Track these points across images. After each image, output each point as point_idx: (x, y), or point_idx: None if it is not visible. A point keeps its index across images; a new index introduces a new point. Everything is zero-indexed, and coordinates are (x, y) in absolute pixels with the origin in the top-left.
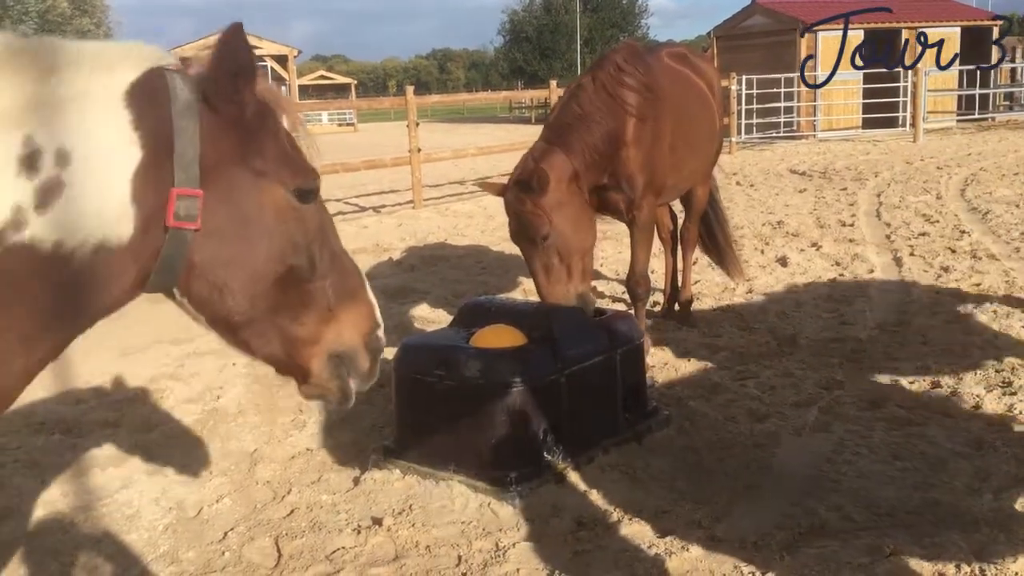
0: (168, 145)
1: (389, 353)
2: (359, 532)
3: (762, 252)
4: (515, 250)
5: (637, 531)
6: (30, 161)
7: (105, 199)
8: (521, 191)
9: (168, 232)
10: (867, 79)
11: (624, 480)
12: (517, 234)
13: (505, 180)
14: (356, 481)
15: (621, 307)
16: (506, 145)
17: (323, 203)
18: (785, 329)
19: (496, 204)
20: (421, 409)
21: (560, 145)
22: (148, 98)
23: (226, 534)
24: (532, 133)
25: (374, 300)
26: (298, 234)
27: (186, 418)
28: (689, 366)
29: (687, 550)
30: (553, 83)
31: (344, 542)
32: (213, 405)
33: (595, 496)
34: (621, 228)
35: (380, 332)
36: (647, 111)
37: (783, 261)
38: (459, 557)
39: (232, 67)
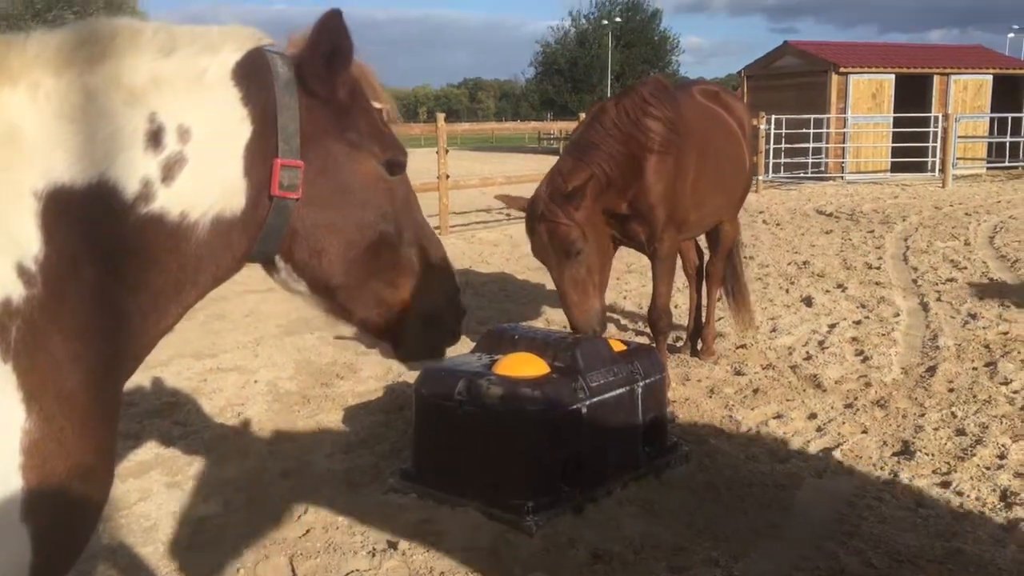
0: (272, 120)
1: (411, 377)
2: (374, 555)
3: (787, 291)
4: (539, 279)
5: (654, 567)
6: (155, 137)
7: (222, 173)
8: (556, 204)
9: (272, 201)
10: (897, 123)
11: (642, 514)
12: (546, 248)
13: (526, 197)
14: (373, 503)
15: (643, 340)
16: (534, 175)
17: (407, 177)
18: (809, 370)
19: (521, 233)
20: (441, 434)
21: (586, 162)
22: (253, 76)
23: (242, 551)
24: None
25: (454, 267)
26: (387, 203)
27: (206, 433)
28: (710, 403)
29: None
30: (582, 115)
31: (359, 564)
32: (234, 421)
33: (612, 529)
34: (646, 262)
35: (459, 296)
36: (670, 143)
37: (808, 301)
38: None
39: (327, 50)
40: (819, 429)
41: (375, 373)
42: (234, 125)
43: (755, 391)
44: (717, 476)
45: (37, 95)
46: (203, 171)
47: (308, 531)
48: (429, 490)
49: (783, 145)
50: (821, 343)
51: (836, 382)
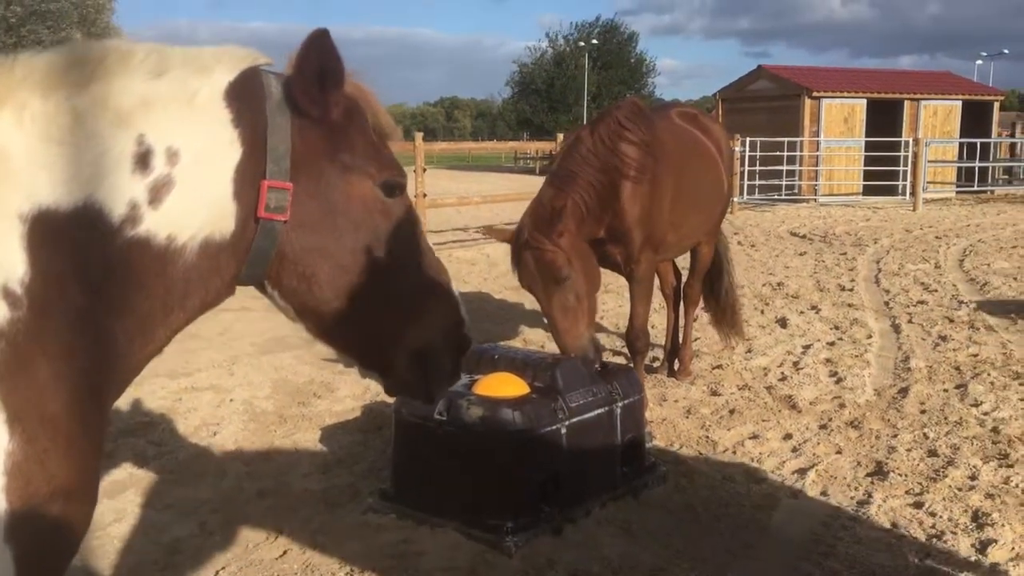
0: (263, 141)
1: (389, 397)
2: None
3: (762, 312)
4: (517, 298)
5: None
6: (143, 159)
7: (211, 195)
8: (541, 232)
9: (259, 224)
10: (869, 147)
11: (621, 535)
12: (533, 276)
13: (510, 227)
14: (351, 524)
15: (621, 360)
16: (511, 195)
17: (409, 200)
18: (784, 390)
19: (499, 252)
20: (420, 454)
21: (566, 192)
22: (245, 97)
23: (218, 573)
24: (536, 184)
25: (459, 297)
26: (384, 227)
27: (181, 453)
28: (687, 423)
29: None
30: (560, 136)
31: None
32: (209, 441)
33: (591, 550)
34: (623, 282)
35: (465, 330)
36: (645, 167)
37: (783, 322)
38: None
39: (316, 70)
40: (794, 450)
41: (352, 392)
42: (224, 147)
43: (731, 411)
44: (694, 497)
45: (23, 117)
46: (191, 194)
47: (285, 552)
48: (408, 510)
49: (757, 167)
50: (796, 364)
51: (811, 403)
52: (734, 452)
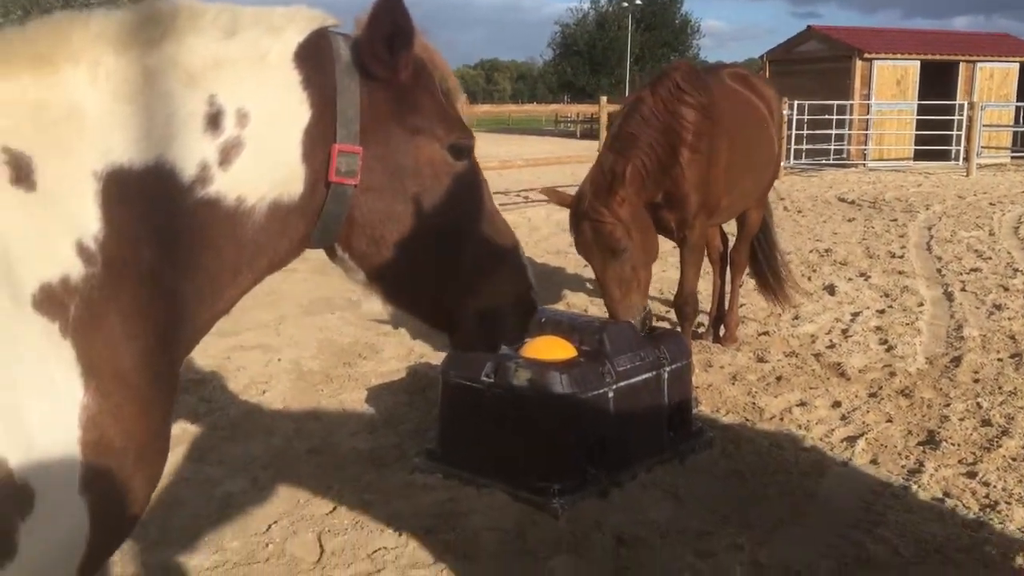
0: (332, 104)
1: (433, 358)
2: (400, 534)
3: (809, 279)
4: (559, 262)
5: (679, 551)
6: (214, 120)
7: (280, 158)
8: (601, 202)
9: (330, 188)
10: (921, 110)
11: (667, 499)
12: (590, 246)
13: (571, 191)
14: (398, 483)
15: (664, 326)
16: (552, 158)
17: (476, 163)
18: (832, 358)
19: (541, 216)
20: (467, 415)
21: (627, 156)
22: (314, 59)
23: (270, 527)
24: (579, 148)
25: (526, 261)
26: (452, 190)
27: (232, 410)
28: (733, 389)
29: (729, 573)
30: (604, 99)
31: (385, 542)
32: (258, 399)
33: (637, 513)
34: (664, 247)
35: (532, 293)
36: (704, 130)
37: (831, 289)
38: (499, 566)
39: (387, 32)
40: (843, 418)
41: (397, 354)
42: (293, 109)
43: (778, 378)
44: (741, 462)
45: (98, 74)
46: (261, 156)
47: (334, 508)
48: (454, 471)
49: (805, 131)
50: (844, 331)
51: (860, 371)
52: (781, 419)
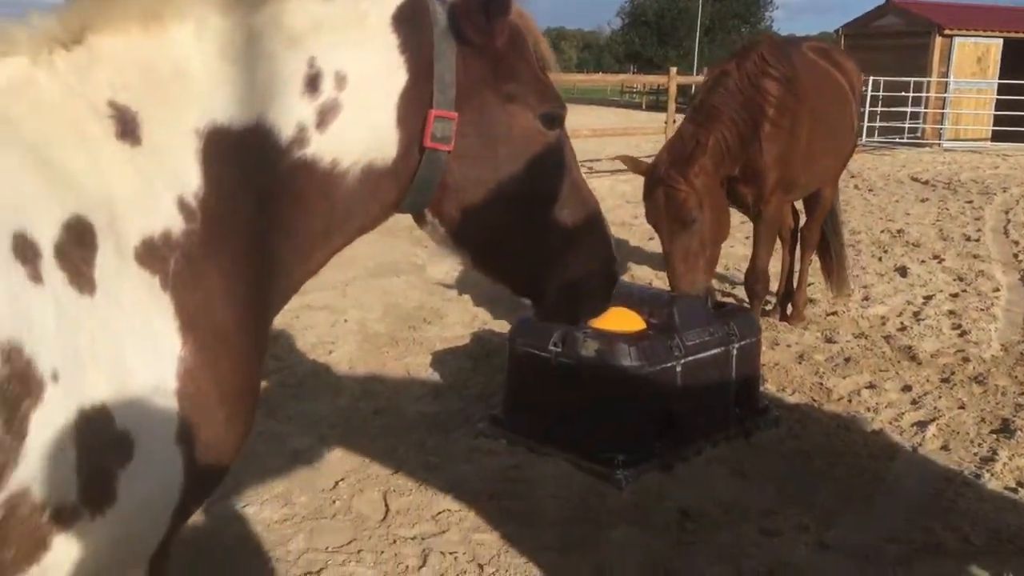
0: (428, 69)
1: (497, 325)
2: (463, 498)
3: (880, 260)
4: (624, 234)
5: (743, 528)
6: (313, 82)
7: (375, 121)
8: (678, 170)
9: (424, 153)
10: (1002, 90)
11: (732, 476)
12: (660, 213)
13: (648, 159)
14: (463, 448)
15: (728, 302)
16: (619, 129)
17: (566, 132)
18: (903, 341)
19: (606, 187)
20: (533, 383)
21: (707, 128)
22: (412, 23)
23: (337, 483)
24: (644, 120)
25: (610, 231)
26: (543, 159)
27: (299, 368)
28: (800, 369)
29: (794, 553)
30: (673, 70)
31: (449, 505)
32: (325, 359)
33: (702, 488)
34: (732, 221)
35: (614, 265)
36: (787, 105)
37: (902, 271)
38: (561, 533)
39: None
40: (914, 402)
41: (461, 319)
42: (390, 73)
43: (847, 360)
44: (808, 442)
45: (203, 33)
46: (357, 119)
47: (399, 469)
48: (518, 438)
49: (879, 108)
50: (916, 314)
51: (932, 355)
52: (849, 401)
